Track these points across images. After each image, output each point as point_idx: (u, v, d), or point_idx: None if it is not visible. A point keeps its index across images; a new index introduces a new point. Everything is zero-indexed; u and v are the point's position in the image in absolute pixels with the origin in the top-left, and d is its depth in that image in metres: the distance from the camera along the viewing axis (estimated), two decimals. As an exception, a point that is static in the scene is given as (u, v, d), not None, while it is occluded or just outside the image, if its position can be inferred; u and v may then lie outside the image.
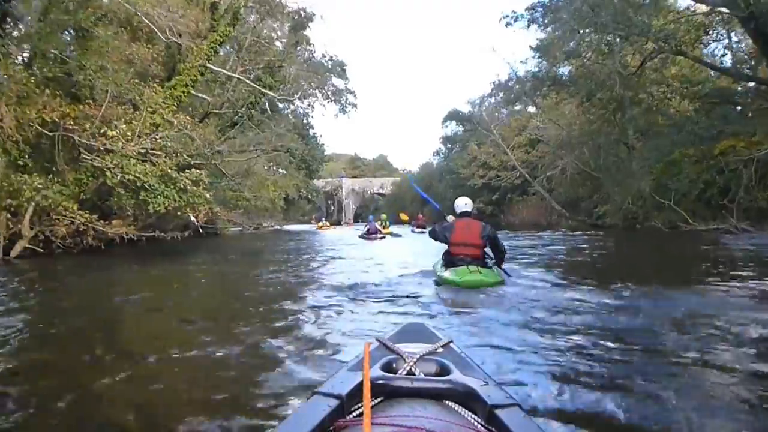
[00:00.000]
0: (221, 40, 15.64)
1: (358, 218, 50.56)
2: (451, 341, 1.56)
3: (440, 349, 1.46)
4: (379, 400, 1.15)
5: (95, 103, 12.42)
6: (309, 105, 42.90)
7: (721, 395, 2.49)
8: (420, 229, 24.23)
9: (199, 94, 16.23)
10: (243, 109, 19.47)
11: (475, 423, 1.06)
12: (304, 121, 46.69)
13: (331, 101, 37.91)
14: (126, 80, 12.94)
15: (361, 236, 20.78)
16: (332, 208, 69.74)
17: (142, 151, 12.22)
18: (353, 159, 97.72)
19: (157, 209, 12.18)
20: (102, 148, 11.64)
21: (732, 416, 2.24)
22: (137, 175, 11.71)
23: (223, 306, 5.90)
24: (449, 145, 51.17)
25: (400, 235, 21.57)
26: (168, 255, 13.71)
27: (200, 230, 14.78)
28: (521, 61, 28.24)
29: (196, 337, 4.15)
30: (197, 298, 6.78)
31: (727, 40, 21.37)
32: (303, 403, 1.17)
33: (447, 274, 6.01)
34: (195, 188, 12.82)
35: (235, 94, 19.17)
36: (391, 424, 0.97)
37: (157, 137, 12.66)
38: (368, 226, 21.45)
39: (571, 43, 21.93)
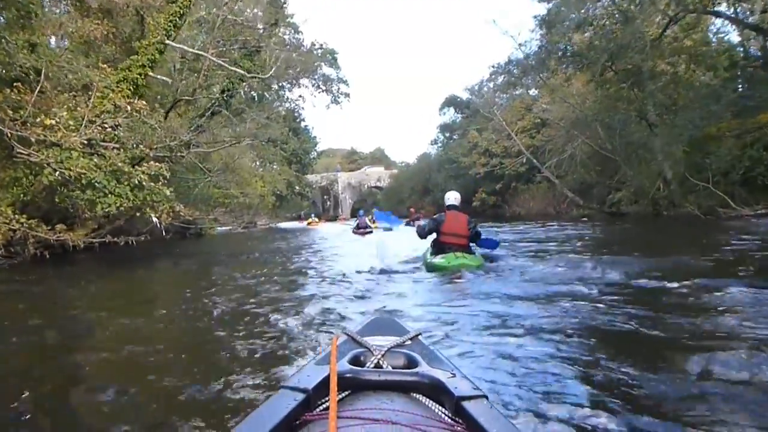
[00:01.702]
0: (181, 12, 13.47)
1: (355, 213, 48.79)
2: (420, 334, 1.49)
3: (408, 342, 1.41)
4: (346, 393, 1.13)
5: (25, 87, 10.34)
6: (299, 96, 41.26)
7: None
8: (414, 223, 23.23)
9: (160, 76, 14.11)
10: (219, 95, 17.29)
11: (442, 415, 1.06)
12: (295, 114, 44.79)
13: (322, 91, 36.12)
14: (62, 59, 10.87)
15: (353, 231, 21.60)
16: (328, 203, 67.90)
17: (87, 142, 10.24)
18: (350, 153, 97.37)
19: (107, 210, 10.22)
20: (34, 140, 9.62)
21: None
22: (80, 170, 9.74)
23: (182, 310, 5.54)
24: (447, 134, 48.80)
25: (391, 229, 21.76)
26: (130, 262, 12.30)
27: (164, 233, 12.65)
28: (520, 45, 25.56)
29: (155, 339, 4.14)
30: (151, 307, 6.23)
31: None
32: (269, 398, 1.09)
33: (437, 260, 6.77)
34: (153, 184, 10.85)
35: (208, 80, 16.96)
36: (358, 417, 0.95)
37: (106, 126, 10.64)
38: (358, 221, 22.72)
39: (582, 10, 19.83)
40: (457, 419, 1.04)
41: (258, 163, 35.25)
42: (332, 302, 5.14)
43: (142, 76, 12.86)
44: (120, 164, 10.39)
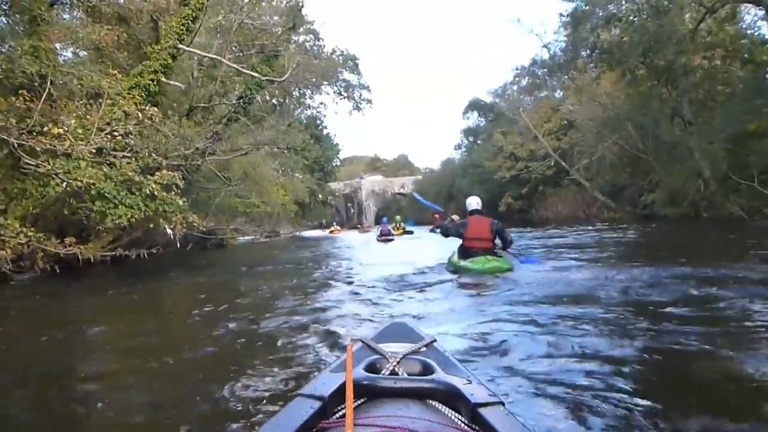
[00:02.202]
0: (194, 15, 13.05)
1: (379, 221, 47.91)
2: (435, 340, 1.52)
3: (423, 349, 1.43)
4: (362, 400, 1.13)
5: (31, 95, 9.97)
6: (321, 103, 40.92)
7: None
8: (437, 230, 23.03)
9: (174, 82, 13.70)
10: (237, 102, 16.83)
11: (459, 422, 1.05)
12: (317, 121, 44.52)
13: (344, 98, 35.84)
14: (69, 65, 10.51)
15: (377, 239, 21.54)
16: (352, 210, 67.36)
17: (97, 151, 9.85)
18: (373, 160, 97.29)
19: (117, 221, 9.82)
20: (40, 150, 9.25)
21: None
22: (89, 180, 9.36)
23: (199, 321, 5.36)
24: (471, 138, 47.88)
25: (412, 232, 23.17)
26: (147, 274, 11.60)
27: (178, 245, 12.16)
28: (546, 45, 24.71)
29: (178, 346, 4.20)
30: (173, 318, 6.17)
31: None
32: (285, 406, 1.09)
33: (467, 263, 6.92)
34: (166, 194, 10.42)
35: (225, 86, 16.52)
36: (374, 425, 0.95)
37: (117, 134, 10.24)
38: (381, 228, 22.81)
39: (611, 6, 19.00)
40: (473, 426, 1.03)
41: (280, 171, 34.95)
42: (353, 310, 5.12)
43: (155, 83, 12.45)
44: (131, 174, 10.00)
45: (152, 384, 3.21)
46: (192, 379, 3.22)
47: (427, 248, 9.58)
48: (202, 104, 16.04)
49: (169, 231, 11.42)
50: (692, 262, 6.84)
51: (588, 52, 21.42)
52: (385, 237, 21.30)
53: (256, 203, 24.09)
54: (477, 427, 1.02)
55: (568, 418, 2.16)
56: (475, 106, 46.17)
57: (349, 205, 68.15)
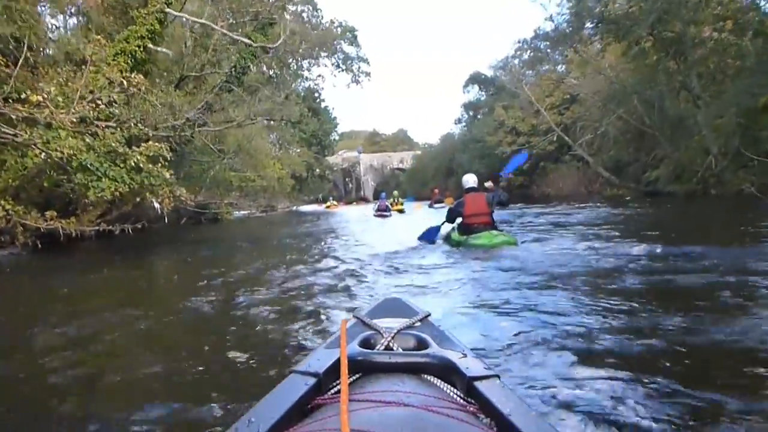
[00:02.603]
0: (183, -25, 12.42)
1: (377, 196, 47.52)
2: (429, 315, 1.48)
3: (418, 324, 1.40)
4: (357, 376, 1.11)
5: (7, 60, 9.41)
6: (319, 76, 40.09)
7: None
8: (439, 204, 24.28)
9: (162, 49, 13.07)
10: (230, 71, 16.16)
11: (454, 395, 1.04)
12: (315, 94, 43.71)
13: (342, 70, 35.03)
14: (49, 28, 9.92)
15: (374, 214, 21.51)
16: (350, 185, 66.81)
17: (79, 120, 9.34)
18: (372, 135, 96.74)
19: (100, 194, 9.33)
20: (15, 118, 8.71)
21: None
22: (69, 151, 8.85)
23: (191, 297, 5.00)
24: (472, 113, 47.09)
25: (404, 211, 23.36)
26: (138, 250, 11.65)
27: (165, 219, 11.66)
28: (549, 17, 23.96)
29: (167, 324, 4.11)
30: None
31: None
32: (280, 383, 1.06)
33: (472, 239, 7.02)
34: (152, 167, 9.92)
35: (217, 55, 15.81)
36: (370, 400, 0.92)
37: (101, 102, 9.70)
38: (379, 203, 22.71)
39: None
40: (469, 399, 1.03)
41: (277, 145, 34.33)
42: (348, 285, 5.09)
43: (141, 49, 11.85)
44: (114, 145, 9.49)
45: (141, 362, 3.08)
46: (183, 358, 3.15)
47: (425, 224, 9.25)
48: (194, 73, 15.40)
49: (156, 205, 10.94)
50: (707, 240, 6.57)
51: (594, 23, 20.69)
52: (381, 212, 21.36)
53: (252, 177, 23.56)
54: (473, 401, 1.02)
55: (565, 390, 2.16)
56: (475, 79, 45.37)
57: (347, 179, 67.65)
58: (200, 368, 2.84)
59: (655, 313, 3.38)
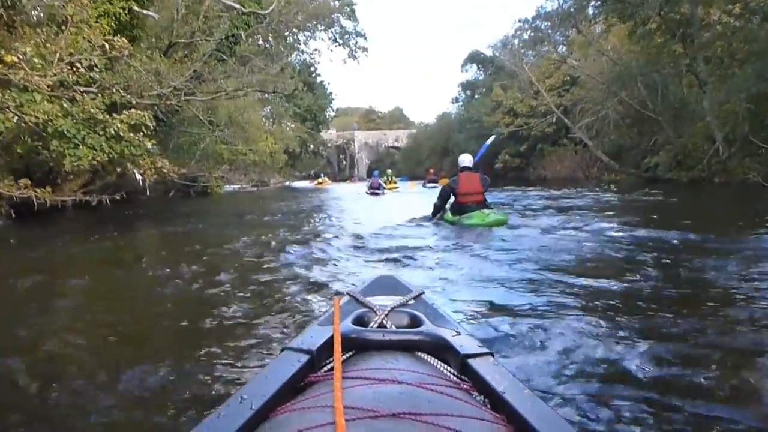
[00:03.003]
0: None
1: (371, 173, 46.67)
2: (423, 293, 1.47)
3: (412, 301, 1.40)
4: (350, 354, 1.10)
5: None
6: (315, 50, 39.23)
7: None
8: (432, 184, 23.98)
9: (148, 12, 12.45)
10: (221, 39, 15.50)
11: (448, 373, 1.04)
12: (311, 68, 42.85)
13: (339, 45, 34.33)
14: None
15: (366, 192, 21.56)
16: (344, 162, 66.10)
17: (57, 84, 8.83)
18: (368, 112, 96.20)
19: (77, 163, 8.84)
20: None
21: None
22: (45, 116, 8.34)
23: (177, 274, 4.71)
24: (469, 92, 46.35)
25: (398, 188, 23.92)
26: (122, 222, 10.98)
27: (147, 191, 11.10)
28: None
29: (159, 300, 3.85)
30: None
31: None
32: (273, 360, 1.07)
33: (465, 218, 7.32)
34: (133, 135, 9.40)
35: (208, 21, 15.12)
36: (363, 377, 0.93)
37: (80, 66, 9.15)
38: (371, 181, 22.64)
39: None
40: (462, 377, 1.03)
41: (271, 119, 33.66)
42: (341, 263, 5.04)
43: (126, 11, 11.23)
44: (93, 111, 8.95)
45: (125, 339, 2.99)
46: (173, 334, 3.11)
47: (418, 203, 9.03)
48: (183, 40, 14.74)
49: (138, 176, 10.44)
50: (711, 229, 6.25)
51: (598, 2, 20.06)
52: (374, 190, 21.31)
53: (243, 150, 23.01)
54: (466, 378, 1.01)
55: (559, 369, 2.16)
56: (474, 58, 44.55)
57: (341, 156, 66.91)
58: (189, 345, 2.79)
59: (643, 292, 3.41)
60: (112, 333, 3.09)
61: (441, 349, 1.10)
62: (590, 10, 21.12)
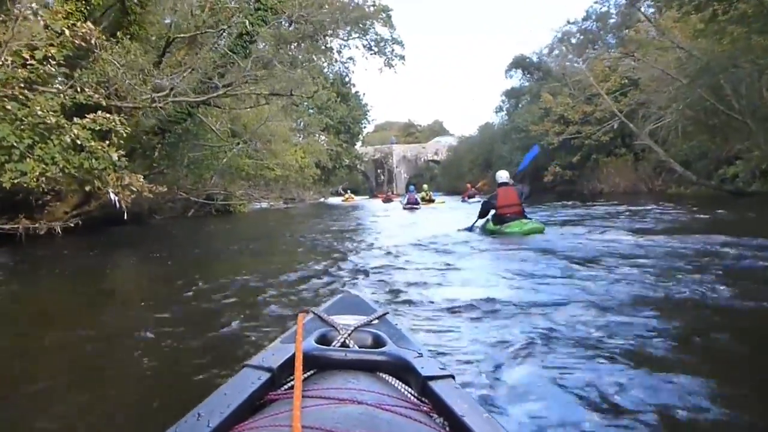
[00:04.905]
0: None
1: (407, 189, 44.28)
2: (387, 313, 1.47)
3: (375, 321, 1.39)
4: (311, 372, 1.10)
5: None
6: (349, 59, 37.35)
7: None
8: (472, 200, 23.57)
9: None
10: (231, 36, 13.46)
11: (408, 394, 1.05)
12: (345, 78, 41.03)
13: (374, 53, 32.45)
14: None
15: (403, 207, 21.66)
16: (382, 177, 63.99)
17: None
18: (407, 126, 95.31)
19: (18, 180, 6.87)
20: None
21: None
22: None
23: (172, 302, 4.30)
24: (514, 100, 43.55)
25: (433, 201, 24.23)
26: (115, 247, 9.85)
27: (125, 215, 8.92)
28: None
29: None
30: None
31: None
32: (233, 376, 1.05)
33: (504, 228, 7.95)
34: (95, 144, 7.36)
35: (216, 15, 13.06)
36: (323, 396, 0.93)
37: (28, 56, 7.19)
38: (408, 196, 22.40)
39: None
40: (423, 399, 1.03)
41: (303, 132, 31.77)
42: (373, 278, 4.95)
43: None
44: (42, 114, 6.95)
45: (90, 355, 3.05)
46: (138, 346, 3.03)
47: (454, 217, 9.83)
48: (181, 35, 12.70)
49: (112, 196, 8.36)
50: None
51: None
52: (411, 205, 21.50)
53: (269, 165, 21.07)
54: (426, 400, 1.01)
55: (522, 392, 2.14)
56: (519, 63, 41.91)
57: (379, 171, 64.88)
58: (157, 361, 2.77)
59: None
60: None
61: (402, 371, 1.10)
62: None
